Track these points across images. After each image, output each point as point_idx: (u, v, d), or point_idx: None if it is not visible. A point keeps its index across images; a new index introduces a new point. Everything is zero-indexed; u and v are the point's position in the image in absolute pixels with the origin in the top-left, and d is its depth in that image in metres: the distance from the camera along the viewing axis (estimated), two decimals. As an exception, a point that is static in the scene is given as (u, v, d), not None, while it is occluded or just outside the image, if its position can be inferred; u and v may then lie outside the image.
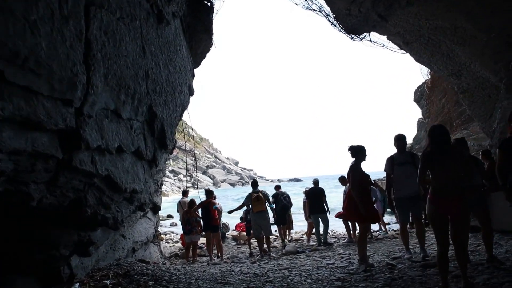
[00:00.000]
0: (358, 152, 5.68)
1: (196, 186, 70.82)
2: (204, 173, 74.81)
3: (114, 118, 3.12)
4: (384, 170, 6.14)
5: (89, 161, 2.84)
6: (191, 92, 7.73)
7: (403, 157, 5.98)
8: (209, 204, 9.10)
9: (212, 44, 9.75)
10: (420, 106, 24.92)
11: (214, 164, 79.74)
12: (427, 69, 21.24)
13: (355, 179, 5.54)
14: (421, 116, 27.12)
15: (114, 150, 3.07)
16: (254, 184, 9.17)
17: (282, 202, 10.54)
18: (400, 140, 6.10)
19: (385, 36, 11.08)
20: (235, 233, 12.60)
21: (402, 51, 11.36)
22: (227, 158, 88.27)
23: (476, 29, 7.56)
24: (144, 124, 4.00)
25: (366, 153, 5.72)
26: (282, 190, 11.55)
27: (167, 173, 68.31)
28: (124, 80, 3.25)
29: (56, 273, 3.79)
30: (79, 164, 2.71)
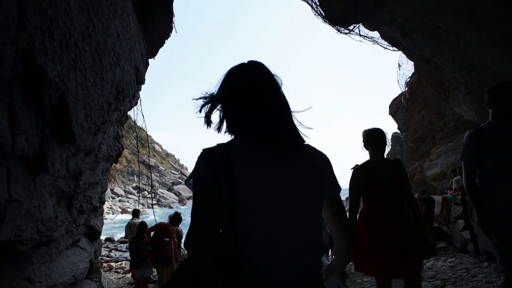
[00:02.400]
0: (374, 140, 3.26)
1: (160, 203, 68.04)
2: (170, 189, 71.94)
3: None
4: (461, 159, 2.94)
5: None
6: (139, 78, 5.79)
7: (506, 132, 2.74)
8: (165, 230, 7.00)
9: (172, 27, 7.91)
10: (396, 119, 23.92)
11: (180, 180, 76.80)
12: (405, 80, 20.28)
13: (357, 187, 3.22)
14: (396, 130, 26.21)
15: None
16: None
17: None
18: (501, 92, 2.83)
19: (375, 32, 9.65)
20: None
21: (395, 48, 9.97)
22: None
23: (501, 8, 6.13)
24: (12, 84, 2.04)
25: (387, 139, 3.34)
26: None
27: (130, 189, 64.30)
28: None
29: None
30: None
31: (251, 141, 1.16)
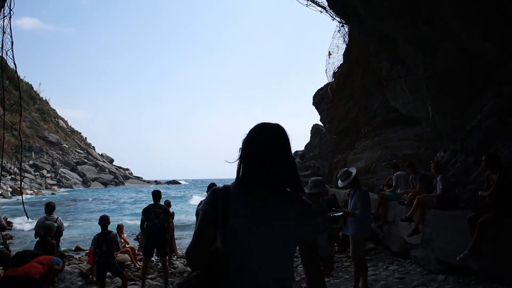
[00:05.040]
0: None
1: (61, 183, 61.07)
2: (73, 169, 65.39)
3: None
4: None
5: None
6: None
7: None
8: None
9: None
10: (320, 110, 23.26)
11: (86, 160, 70.20)
12: (334, 70, 19.50)
13: None
14: (318, 122, 25.76)
15: None
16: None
17: (152, 221, 7.06)
18: None
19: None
20: (85, 266, 8.01)
21: (342, 20, 8.61)
22: (101, 155, 78.89)
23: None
24: None
25: None
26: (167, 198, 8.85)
27: (27, 167, 56.20)
28: None
29: None
30: None
31: (247, 187, 1.53)
